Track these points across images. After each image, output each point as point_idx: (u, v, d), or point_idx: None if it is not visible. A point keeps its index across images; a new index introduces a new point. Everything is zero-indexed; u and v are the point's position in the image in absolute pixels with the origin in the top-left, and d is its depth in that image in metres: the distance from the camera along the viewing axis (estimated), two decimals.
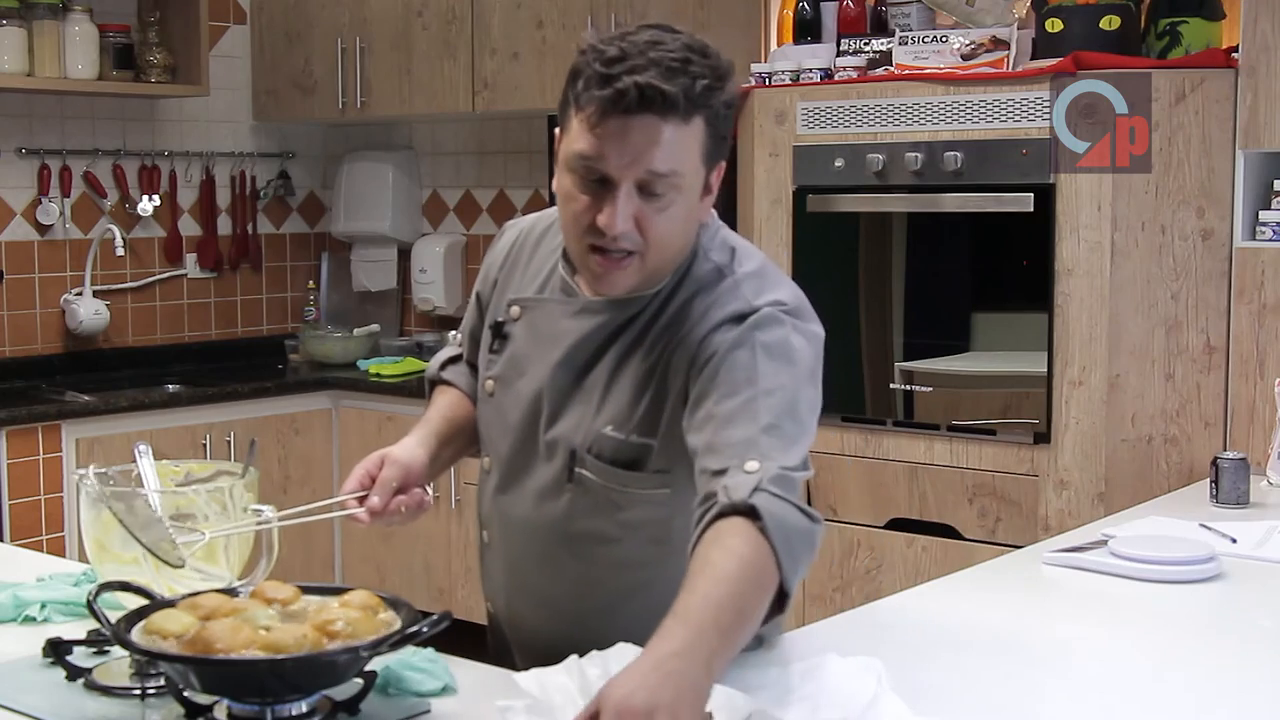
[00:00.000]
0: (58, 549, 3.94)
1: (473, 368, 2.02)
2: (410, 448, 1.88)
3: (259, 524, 1.72)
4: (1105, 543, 2.33)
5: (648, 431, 1.74)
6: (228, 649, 1.44)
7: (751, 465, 1.57)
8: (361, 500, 1.81)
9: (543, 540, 1.84)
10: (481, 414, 1.93)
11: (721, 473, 1.58)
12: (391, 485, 1.81)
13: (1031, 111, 3.21)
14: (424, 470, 1.87)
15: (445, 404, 2.01)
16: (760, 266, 1.80)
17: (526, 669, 1.80)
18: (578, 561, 1.82)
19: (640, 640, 1.53)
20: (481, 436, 1.94)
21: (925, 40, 3.45)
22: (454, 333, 2.09)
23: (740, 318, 1.70)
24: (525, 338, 1.86)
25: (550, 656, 1.75)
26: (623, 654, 1.54)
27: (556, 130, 1.74)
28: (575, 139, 1.66)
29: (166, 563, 1.64)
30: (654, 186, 1.64)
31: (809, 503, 1.63)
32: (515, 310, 1.89)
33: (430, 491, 1.90)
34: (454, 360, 2.07)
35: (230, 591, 1.62)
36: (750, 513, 1.52)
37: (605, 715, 1.31)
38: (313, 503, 1.84)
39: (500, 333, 1.90)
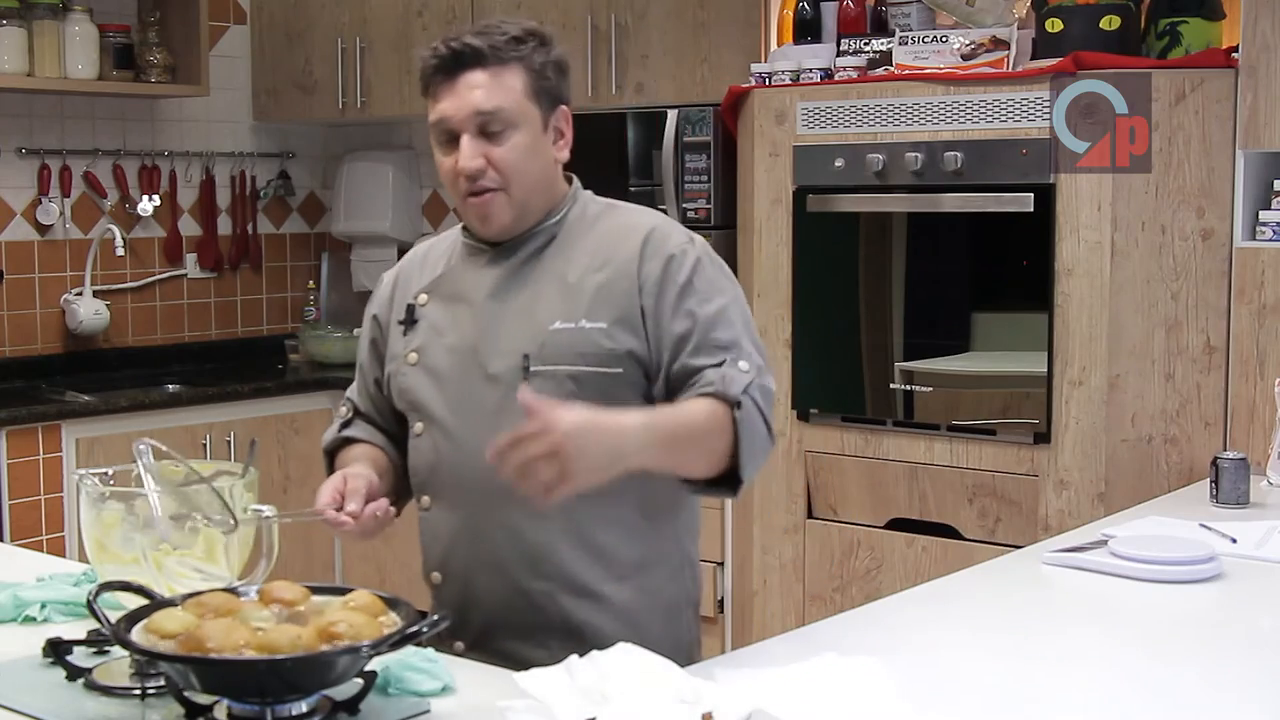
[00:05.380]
0: (58, 549, 3.94)
1: (371, 422, 2.11)
2: (360, 468, 1.97)
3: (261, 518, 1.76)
4: (1105, 543, 2.33)
5: (596, 316, 1.90)
6: (220, 649, 1.44)
7: (744, 365, 1.85)
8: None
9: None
10: (407, 385, 2.01)
11: (717, 365, 1.85)
12: (362, 492, 1.89)
13: (1031, 111, 3.21)
14: (378, 486, 1.94)
15: (359, 454, 2.07)
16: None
17: (466, 645, 1.86)
18: None
19: (586, 583, 1.84)
20: (408, 406, 2.02)
21: (925, 40, 3.45)
22: (341, 406, 2.15)
23: (670, 234, 1.93)
24: (439, 307, 1.99)
25: (497, 621, 1.88)
26: (622, 654, 1.54)
27: None
28: (430, 115, 1.93)
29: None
30: (489, 125, 1.88)
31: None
32: (423, 297, 2.02)
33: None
34: (346, 426, 2.13)
35: (232, 591, 1.62)
36: (733, 405, 1.80)
37: (550, 432, 1.59)
38: (303, 509, 1.88)
39: (411, 317, 2.02)
